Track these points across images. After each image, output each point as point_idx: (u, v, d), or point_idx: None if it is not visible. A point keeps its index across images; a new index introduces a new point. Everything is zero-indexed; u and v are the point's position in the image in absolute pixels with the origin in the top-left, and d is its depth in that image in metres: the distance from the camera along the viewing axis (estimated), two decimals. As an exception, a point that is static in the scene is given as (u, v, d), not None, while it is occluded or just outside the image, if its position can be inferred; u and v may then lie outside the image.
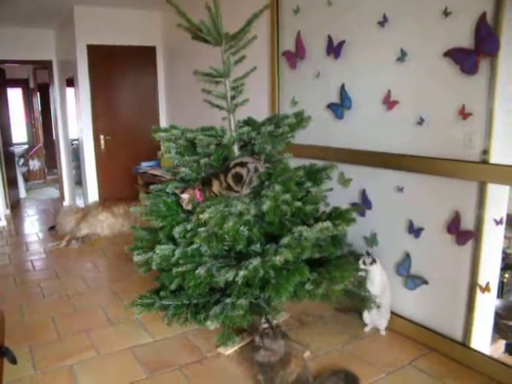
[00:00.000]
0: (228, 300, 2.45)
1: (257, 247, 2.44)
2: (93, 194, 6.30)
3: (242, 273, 2.28)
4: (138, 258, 2.63)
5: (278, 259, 2.27)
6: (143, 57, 6.31)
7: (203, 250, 2.42)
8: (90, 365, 2.83)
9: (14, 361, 2.71)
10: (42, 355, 2.94)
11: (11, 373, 2.69)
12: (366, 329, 3.14)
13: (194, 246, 2.48)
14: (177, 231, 2.52)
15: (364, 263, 3.01)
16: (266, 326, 2.38)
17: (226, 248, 2.50)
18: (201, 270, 2.41)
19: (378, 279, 3.03)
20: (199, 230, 2.40)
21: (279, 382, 2.29)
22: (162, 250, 2.52)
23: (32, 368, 2.80)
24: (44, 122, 9.54)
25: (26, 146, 10.23)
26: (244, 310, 2.43)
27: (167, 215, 2.60)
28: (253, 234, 2.46)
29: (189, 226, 2.47)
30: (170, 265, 2.54)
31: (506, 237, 3.35)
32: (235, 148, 2.69)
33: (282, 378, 2.28)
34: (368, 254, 3.04)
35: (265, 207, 2.33)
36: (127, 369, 2.77)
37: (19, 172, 8.51)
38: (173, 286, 2.58)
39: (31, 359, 2.89)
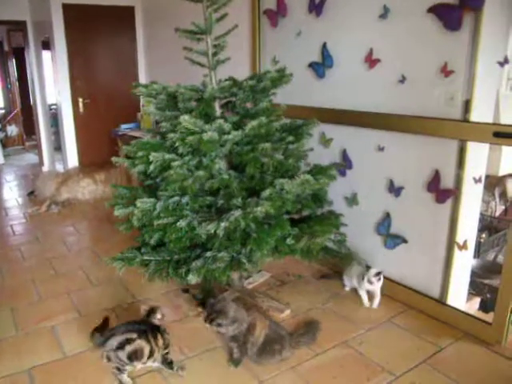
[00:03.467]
0: (209, 253, 2.46)
1: (238, 201, 2.43)
2: (72, 158, 6.21)
3: (223, 224, 2.27)
4: (118, 211, 2.61)
5: (260, 210, 2.27)
6: (121, 17, 6.13)
7: (184, 201, 2.39)
8: (72, 326, 2.84)
9: None
10: (23, 317, 2.93)
11: (-7, 333, 2.69)
12: (346, 288, 3.19)
13: (175, 199, 2.46)
14: (153, 156, 2.46)
15: (370, 282, 2.91)
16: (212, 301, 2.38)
17: (208, 202, 2.49)
18: (182, 223, 2.40)
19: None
20: (173, 163, 2.38)
21: (250, 346, 2.37)
22: (143, 203, 2.49)
23: (14, 329, 2.79)
24: (21, 87, 9.25)
25: (3, 111, 9.97)
26: (225, 264, 2.44)
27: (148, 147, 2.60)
28: (233, 189, 2.44)
29: (167, 156, 2.44)
30: (151, 219, 2.52)
31: (483, 200, 3.42)
32: (216, 105, 2.65)
33: (252, 343, 2.36)
34: (379, 273, 2.93)
35: (248, 127, 2.31)
36: (109, 328, 2.78)
37: (-4, 138, 8.34)
38: (154, 240, 2.58)
39: (13, 320, 2.88)
